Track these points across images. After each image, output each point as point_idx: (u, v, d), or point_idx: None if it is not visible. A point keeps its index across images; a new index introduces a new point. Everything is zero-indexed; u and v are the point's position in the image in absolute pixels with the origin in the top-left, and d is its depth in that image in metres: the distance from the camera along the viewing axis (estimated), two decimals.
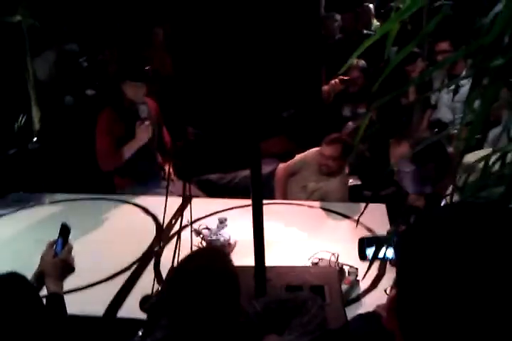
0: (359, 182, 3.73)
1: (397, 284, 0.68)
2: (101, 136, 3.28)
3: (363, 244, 1.64)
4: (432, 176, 2.16)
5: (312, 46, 1.60)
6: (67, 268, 1.76)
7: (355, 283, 2.05)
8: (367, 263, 1.78)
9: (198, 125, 1.66)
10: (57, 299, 1.67)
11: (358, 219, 2.77)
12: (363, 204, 2.97)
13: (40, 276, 1.74)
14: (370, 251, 1.64)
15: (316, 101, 3.78)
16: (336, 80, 4.23)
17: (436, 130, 3.53)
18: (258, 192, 1.75)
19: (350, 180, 3.60)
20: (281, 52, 1.56)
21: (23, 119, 3.85)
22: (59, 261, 1.73)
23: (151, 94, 3.44)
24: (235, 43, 1.52)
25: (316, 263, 2.16)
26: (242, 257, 2.31)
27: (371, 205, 2.93)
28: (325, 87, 4.30)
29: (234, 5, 1.51)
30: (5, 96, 3.82)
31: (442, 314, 0.60)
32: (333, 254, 2.15)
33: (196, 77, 1.60)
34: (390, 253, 1.58)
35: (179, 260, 1.49)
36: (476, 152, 2.32)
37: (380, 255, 1.63)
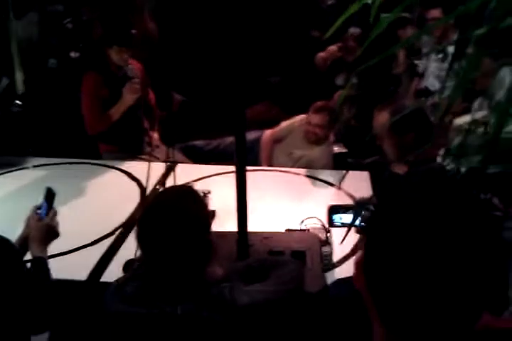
0: (344, 150, 3.74)
1: (364, 247, 0.80)
2: (87, 99, 3.23)
3: (332, 211, 1.70)
4: (411, 145, 2.16)
5: (300, 13, 1.58)
6: (52, 232, 1.76)
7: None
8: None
9: (184, 91, 1.64)
10: (41, 263, 1.68)
11: (339, 185, 2.80)
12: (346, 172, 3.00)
13: (25, 241, 1.74)
14: (337, 218, 1.71)
15: (304, 68, 3.77)
16: (334, 47, 4.16)
17: (423, 98, 3.52)
18: (242, 159, 1.75)
19: (336, 148, 3.61)
20: (269, 19, 1.54)
21: (7, 82, 3.77)
22: (43, 226, 1.73)
23: (136, 58, 3.39)
24: (221, 8, 1.50)
25: (301, 230, 2.19)
26: (226, 223, 2.34)
27: (355, 173, 2.98)
28: (321, 54, 4.24)
29: None
30: None
31: (400, 270, 0.73)
32: (319, 220, 2.16)
33: (181, 42, 1.58)
34: (355, 220, 1.66)
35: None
36: (464, 116, 2.32)
37: (347, 221, 1.70)
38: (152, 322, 1.33)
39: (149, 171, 2.30)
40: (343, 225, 1.70)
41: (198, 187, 2.65)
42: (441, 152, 2.04)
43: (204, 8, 1.41)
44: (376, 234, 0.79)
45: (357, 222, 1.67)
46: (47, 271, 1.68)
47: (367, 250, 0.80)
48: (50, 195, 1.82)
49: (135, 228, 2.41)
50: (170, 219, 1.35)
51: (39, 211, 1.78)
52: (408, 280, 0.72)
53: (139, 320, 1.34)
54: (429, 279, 0.71)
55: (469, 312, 0.74)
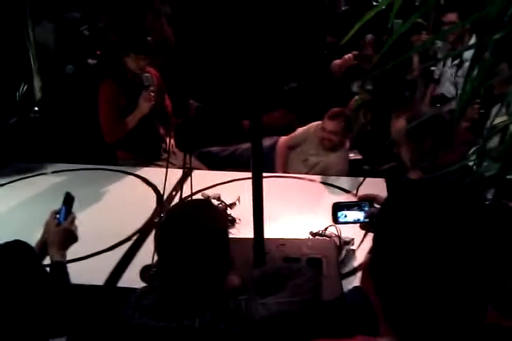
0: (360, 157, 3.74)
1: (372, 250, 0.83)
2: (104, 107, 3.27)
3: (336, 208, 1.71)
4: (428, 151, 2.15)
5: (315, 20, 1.59)
6: (70, 237, 1.77)
7: (351, 252, 2.11)
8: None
9: (200, 98, 1.66)
10: (60, 267, 1.69)
11: (356, 192, 2.79)
12: (361, 179, 2.98)
13: (44, 245, 1.75)
14: (342, 215, 1.72)
15: (320, 75, 3.77)
16: (350, 55, 4.17)
17: (439, 105, 3.51)
18: (258, 166, 1.76)
19: (351, 155, 3.61)
20: (284, 25, 1.54)
21: (25, 88, 3.82)
22: (62, 230, 1.74)
23: (153, 65, 3.42)
24: (237, 15, 1.50)
25: (316, 234, 2.19)
26: (243, 230, 2.35)
27: (371, 180, 2.96)
28: (337, 61, 4.25)
29: None
30: (6, 65, 3.79)
31: (408, 272, 0.75)
32: (335, 226, 2.16)
33: (198, 49, 1.59)
34: (360, 216, 1.68)
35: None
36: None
37: (351, 219, 1.71)
38: (171, 335, 1.34)
39: (166, 177, 2.31)
40: (348, 222, 1.72)
41: (213, 193, 2.71)
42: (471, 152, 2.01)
43: (221, 14, 1.42)
44: (383, 237, 0.81)
45: (361, 218, 1.69)
46: (66, 275, 1.69)
47: (374, 253, 0.82)
48: (69, 200, 1.84)
49: (152, 234, 2.48)
50: (189, 231, 1.36)
51: (57, 216, 1.80)
52: (415, 282, 0.75)
53: (158, 334, 1.35)
54: (436, 281, 0.73)
55: (474, 313, 0.76)
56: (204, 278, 1.37)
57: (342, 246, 2.11)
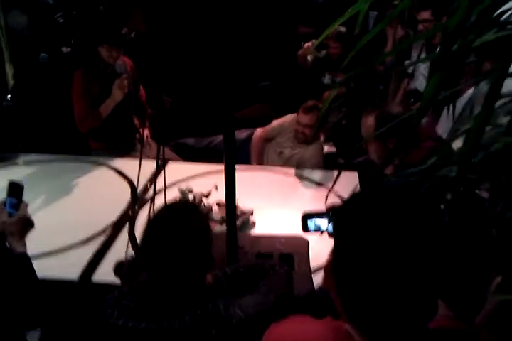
0: (334, 150, 3.77)
1: (333, 250, 0.88)
2: (77, 97, 3.24)
3: (306, 217, 1.75)
4: (394, 150, 2.18)
5: (288, 10, 1.59)
6: (28, 224, 1.75)
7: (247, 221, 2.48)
8: None
9: (173, 94, 1.66)
10: (25, 258, 1.67)
11: (331, 189, 2.82)
12: (336, 172, 3.02)
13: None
14: (311, 224, 1.75)
15: (294, 67, 3.77)
16: (308, 44, 4.13)
17: (413, 100, 3.55)
18: (231, 161, 1.76)
19: (325, 148, 3.64)
20: (257, 17, 1.55)
21: None
22: (19, 219, 1.69)
23: (127, 54, 3.39)
24: (211, 13, 1.51)
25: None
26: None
27: (344, 173, 2.99)
28: (299, 51, 4.23)
29: None
30: None
31: (366, 271, 0.81)
32: None
33: (171, 44, 1.59)
34: (329, 226, 1.72)
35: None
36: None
37: (320, 228, 1.75)
38: (150, 336, 1.36)
39: (140, 169, 2.30)
40: (317, 231, 1.75)
41: (187, 185, 2.71)
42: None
43: (193, 10, 1.42)
44: (342, 240, 0.87)
45: (330, 228, 1.72)
46: (31, 265, 1.67)
47: (334, 255, 0.88)
48: (16, 189, 1.78)
49: (126, 227, 2.47)
50: (175, 232, 1.38)
51: (3, 207, 1.74)
52: (372, 281, 0.81)
53: (136, 335, 1.37)
54: (391, 280, 0.80)
55: (424, 311, 0.84)
56: (187, 279, 1.39)
57: (240, 216, 2.40)
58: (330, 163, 3.44)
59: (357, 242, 0.83)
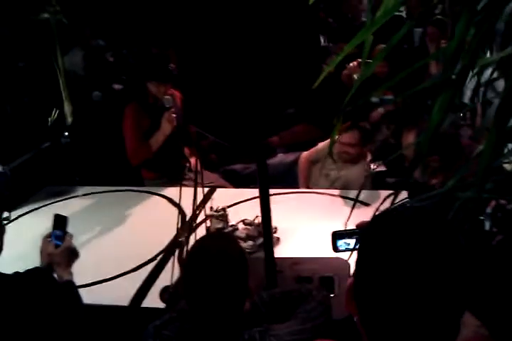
0: (384, 169, 3.72)
1: (355, 273, 0.88)
2: (128, 131, 3.39)
3: (335, 237, 1.72)
4: (436, 167, 2.15)
5: (312, 46, 1.64)
6: (73, 254, 1.85)
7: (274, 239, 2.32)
8: None
9: (202, 126, 1.73)
10: (72, 286, 1.77)
11: (377, 209, 2.79)
12: (384, 192, 2.98)
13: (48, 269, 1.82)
14: (341, 244, 1.73)
15: (334, 89, 3.76)
16: (354, 63, 4.15)
17: (459, 113, 3.47)
18: (265, 187, 1.80)
19: (374, 166, 3.59)
20: (281, 53, 1.60)
21: (56, 114, 3.98)
22: (65, 250, 1.82)
23: (176, 87, 3.52)
24: (237, 43, 1.56)
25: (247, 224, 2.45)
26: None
27: (392, 192, 2.94)
28: (345, 71, 4.25)
29: (235, 4, 1.55)
30: (39, 93, 3.96)
31: (389, 295, 0.80)
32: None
33: (199, 77, 1.65)
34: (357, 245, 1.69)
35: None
36: None
37: (351, 246, 1.72)
38: None
39: (195, 197, 2.36)
40: (348, 249, 1.73)
41: (235, 210, 2.76)
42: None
43: (221, 44, 1.48)
44: (364, 263, 0.86)
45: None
46: (78, 292, 1.77)
47: (356, 277, 0.87)
48: (61, 221, 1.90)
49: (176, 253, 2.55)
50: (215, 263, 1.42)
51: (49, 239, 1.86)
52: (395, 304, 0.80)
53: None
54: (414, 304, 0.79)
55: (448, 333, 0.82)
56: (226, 308, 1.42)
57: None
58: (379, 183, 3.39)
59: (378, 264, 0.82)
